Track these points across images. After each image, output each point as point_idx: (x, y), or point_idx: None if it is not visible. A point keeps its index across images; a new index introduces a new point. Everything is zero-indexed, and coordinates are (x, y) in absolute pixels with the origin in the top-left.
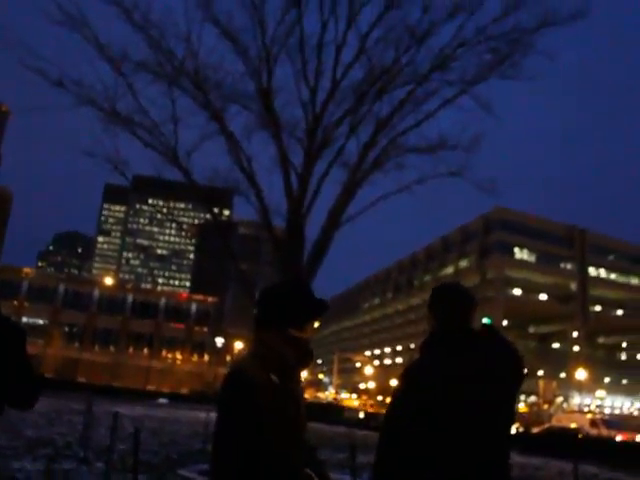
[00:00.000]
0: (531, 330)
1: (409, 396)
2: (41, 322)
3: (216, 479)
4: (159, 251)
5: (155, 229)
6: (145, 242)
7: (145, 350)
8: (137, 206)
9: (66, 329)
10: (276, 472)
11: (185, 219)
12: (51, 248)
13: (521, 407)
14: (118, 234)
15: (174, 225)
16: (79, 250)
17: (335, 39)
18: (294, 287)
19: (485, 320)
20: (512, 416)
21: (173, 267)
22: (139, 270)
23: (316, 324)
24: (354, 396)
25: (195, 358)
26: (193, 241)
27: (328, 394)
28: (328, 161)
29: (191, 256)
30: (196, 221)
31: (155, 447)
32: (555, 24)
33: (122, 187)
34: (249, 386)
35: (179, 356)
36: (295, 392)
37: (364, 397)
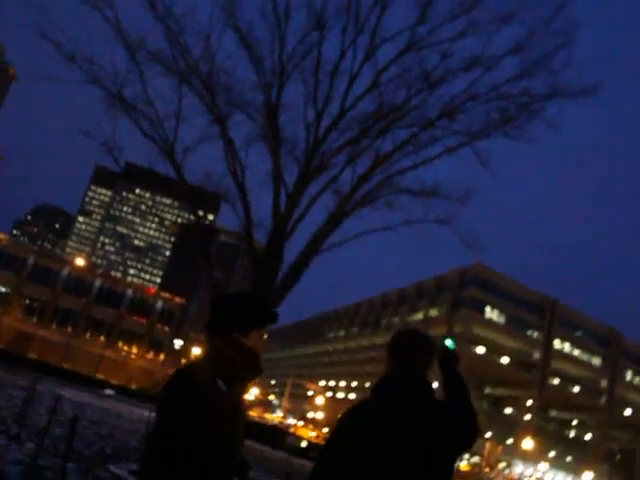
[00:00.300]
0: (487, 391)
1: (341, 438)
2: (3, 290)
3: (145, 476)
4: (136, 242)
5: (137, 220)
6: (124, 230)
7: (102, 338)
8: (123, 193)
9: (27, 302)
10: (203, 478)
11: (168, 215)
12: (29, 218)
13: (463, 465)
14: (99, 217)
15: (156, 219)
16: (57, 226)
17: (350, 69)
18: (245, 294)
19: (448, 342)
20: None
21: (147, 261)
22: (112, 257)
23: (264, 335)
24: (300, 423)
25: (151, 355)
26: (172, 239)
27: (275, 417)
28: (321, 186)
29: (167, 253)
30: (179, 220)
31: (92, 438)
32: (565, 96)
33: (112, 172)
34: (193, 386)
35: (135, 350)
36: (238, 404)
37: (310, 426)
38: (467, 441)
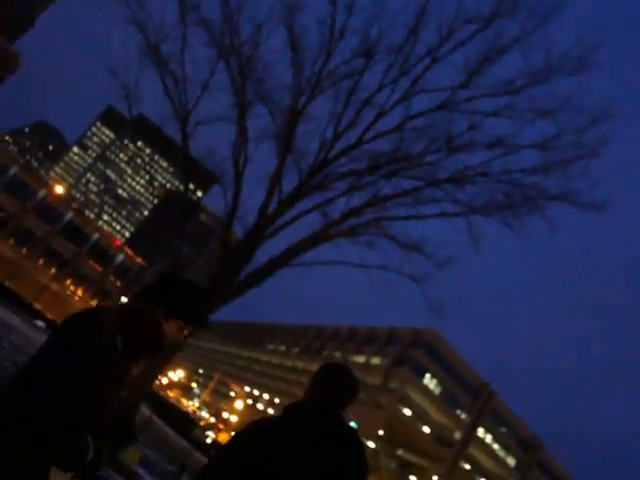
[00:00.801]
0: (399, 452)
1: (238, 446)
2: None
3: (24, 397)
4: (120, 191)
5: (128, 170)
6: (113, 176)
7: (53, 270)
8: (125, 141)
9: None
10: (67, 415)
11: (160, 177)
12: (26, 130)
13: None
14: (93, 155)
15: (147, 177)
16: (50, 147)
17: (382, 104)
18: (195, 288)
19: (352, 424)
20: None
21: (123, 212)
22: (92, 197)
23: (185, 332)
24: (212, 419)
25: (94, 303)
26: (155, 201)
27: (191, 405)
28: (313, 203)
29: (145, 213)
30: (168, 185)
31: (6, 362)
32: (573, 203)
33: (121, 116)
34: (95, 331)
35: (80, 293)
36: (124, 371)
37: (221, 426)
38: None
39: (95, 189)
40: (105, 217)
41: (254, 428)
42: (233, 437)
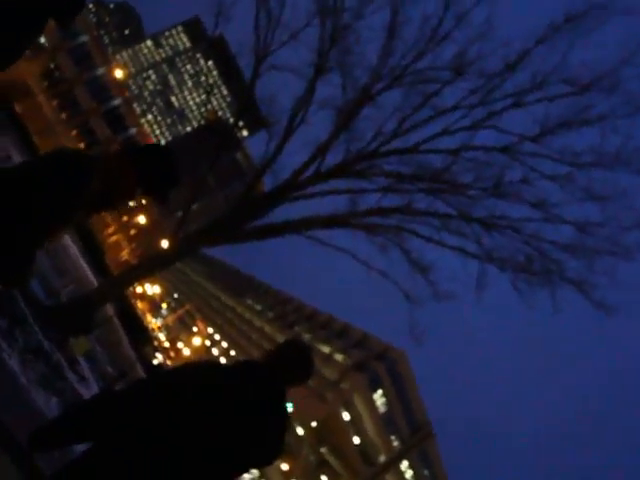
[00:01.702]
0: (322, 449)
1: (190, 370)
2: (42, 41)
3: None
4: (173, 99)
5: (189, 83)
6: (173, 82)
7: (82, 145)
8: (198, 55)
9: (52, 66)
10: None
11: (215, 102)
12: (111, 6)
13: None
14: (163, 55)
15: (204, 97)
16: (126, 31)
17: (448, 124)
18: (175, 169)
19: (289, 405)
20: (239, 466)
21: (167, 120)
22: (145, 94)
23: (160, 199)
24: (167, 344)
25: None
26: (201, 122)
27: (153, 322)
28: (347, 187)
29: (188, 129)
30: (219, 113)
31: None
32: (585, 295)
33: (203, 31)
34: (88, 173)
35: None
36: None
37: (172, 353)
38: (265, 458)
39: (151, 87)
40: (149, 117)
41: (207, 364)
42: (186, 364)
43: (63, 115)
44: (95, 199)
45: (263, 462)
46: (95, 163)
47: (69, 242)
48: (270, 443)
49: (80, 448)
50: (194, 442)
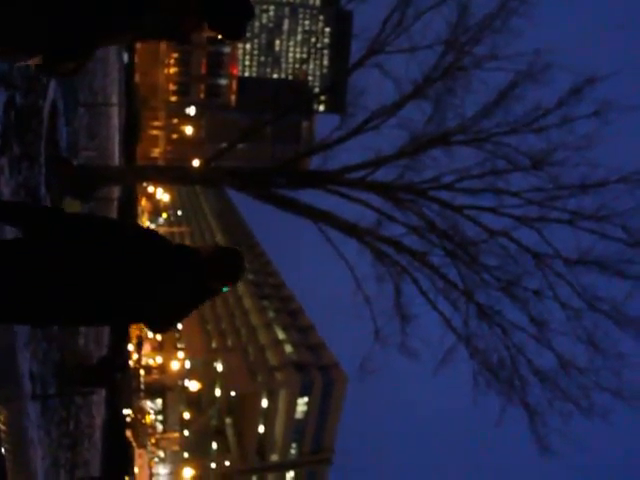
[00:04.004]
0: (227, 420)
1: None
2: None
3: None
4: (277, 42)
5: (299, 37)
6: (285, 27)
7: None
8: (321, 17)
9: None
10: None
11: (311, 66)
12: None
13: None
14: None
15: (304, 56)
16: None
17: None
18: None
19: (225, 289)
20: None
21: (261, 58)
22: (255, 24)
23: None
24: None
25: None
26: (289, 77)
27: (148, 224)
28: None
29: (274, 75)
30: (310, 77)
31: None
32: (531, 424)
33: None
34: None
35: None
36: None
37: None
38: (159, 324)
39: (264, 21)
40: (247, 45)
41: (156, 236)
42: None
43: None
44: (162, 22)
45: (159, 319)
46: None
47: (115, 113)
48: (174, 306)
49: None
50: (112, 279)
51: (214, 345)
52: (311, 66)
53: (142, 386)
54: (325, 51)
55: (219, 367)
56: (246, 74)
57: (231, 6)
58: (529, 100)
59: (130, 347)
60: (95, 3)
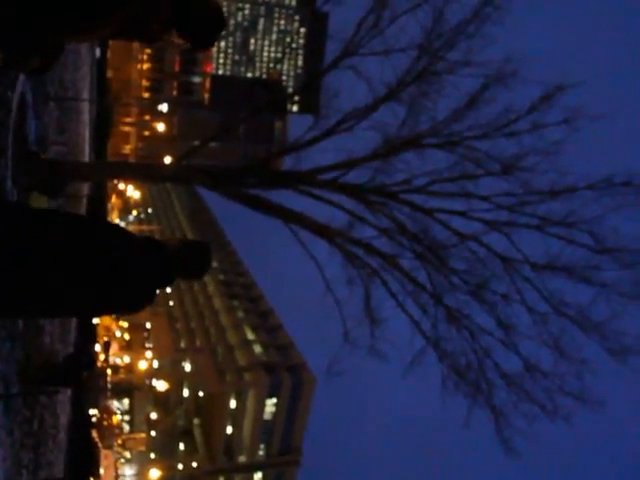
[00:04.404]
0: (194, 420)
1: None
2: None
3: None
4: (251, 41)
5: (274, 36)
6: (260, 26)
7: None
8: (296, 17)
9: None
10: None
11: (285, 66)
12: None
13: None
14: (260, 1)
15: (279, 55)
16: None
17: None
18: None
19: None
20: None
21: (235, 57)
22: (230, 22)
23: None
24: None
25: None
26: (263, 76)
27: (118, 221)
28: (354, 208)
29: (248, 74)
30: (284, 78)
31: None
32: (496, 425)
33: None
34: None
35: (145, 68)
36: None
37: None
38: (133, 306)
39: (239, 20)
40: (221, 44)
41: (123, 234)
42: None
43: None
44: (131, 20)
45: (127, 304)
46: None
47: (86, 108)
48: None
49: None
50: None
51: (183, 345)
52: (285, 66)
53: (109, 385)
54: (300, 51)
55: (187, 367)
56: (220, 72)
57: (201, 17)
58: (500, 105)
59: (97, 346)
60: (62, 1)
